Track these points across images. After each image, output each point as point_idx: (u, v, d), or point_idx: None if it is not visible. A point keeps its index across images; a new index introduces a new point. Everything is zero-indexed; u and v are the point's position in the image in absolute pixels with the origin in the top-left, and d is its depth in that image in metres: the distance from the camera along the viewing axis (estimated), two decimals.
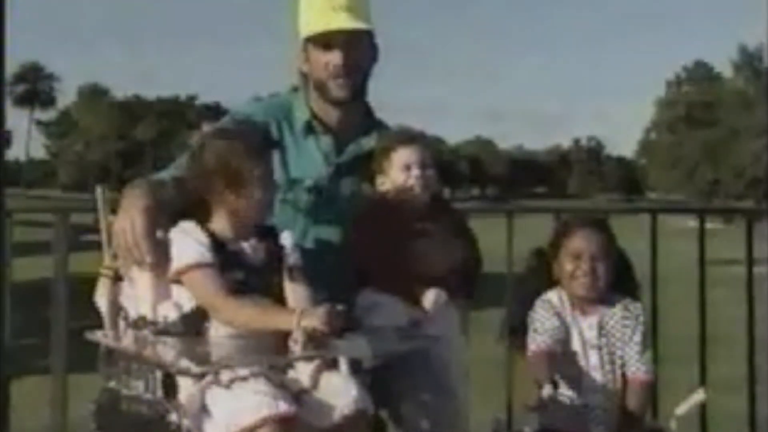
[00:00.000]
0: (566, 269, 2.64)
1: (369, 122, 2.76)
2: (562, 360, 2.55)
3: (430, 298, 2.47)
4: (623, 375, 2.62)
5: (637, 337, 2.62)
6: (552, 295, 2.66)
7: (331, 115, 2.69)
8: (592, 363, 2.61)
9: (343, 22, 2.59)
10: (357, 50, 2.63)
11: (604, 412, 2.57)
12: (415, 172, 2.60)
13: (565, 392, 2.52)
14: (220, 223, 2.33)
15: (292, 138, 2.68)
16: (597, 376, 2.59)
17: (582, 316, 2.63)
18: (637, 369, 2.61)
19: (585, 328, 2.62)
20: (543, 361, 2.52)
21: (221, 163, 2.28)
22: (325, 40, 2.61)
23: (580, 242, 2.64)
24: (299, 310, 2.16)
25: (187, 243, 2.26)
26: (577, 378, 2.58)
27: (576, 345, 2.61)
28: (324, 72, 2.63)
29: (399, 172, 2.60)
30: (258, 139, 2.35)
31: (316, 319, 2.10)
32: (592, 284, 2.61)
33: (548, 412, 2.47)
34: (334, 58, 2.60)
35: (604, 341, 2.62)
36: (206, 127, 2.46)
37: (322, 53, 2.62)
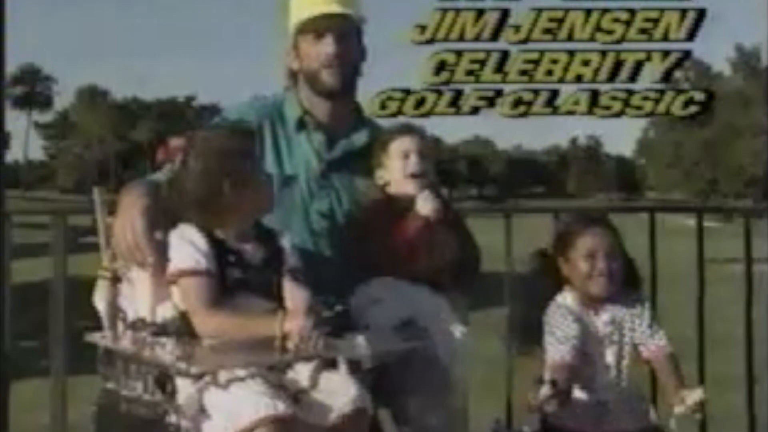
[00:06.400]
0: (581, 270, 2.59)
1: (359, 119, 2.79)
2: (580, 364, 2.54)
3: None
4: (647, 361, 2.62)
5: (646, 320, 2.62)
6: (567, 299, 2.63)
7: (323, 110, 2.70)
8: (607, 360, 2.59)
9: (334, 7, 2.64)
10: (348, 41, 2.67)
11: (618, 407, 2.56)
12: (413, 158, 2.60)
13: (579, 391, 2.51)
14: (220, 224, 2.31)
15: (284, 136, 2.69)
16: (612, 372, 2.58)
17: (596, 314, 2.62)
18: (657, 347, 2.60)
19: (600, 327, 2.60)
20: (565, 372, 2.48)
21: (219, 164, 2.27)
22: (316, 31, 2.65)
23: (592, 241, 2.61)
24: (280, 313, 2.15)
25: (184, 247, 2.25)
26: (591, 376, 2.56)
27: (591, 344, 2.59)
28: (316, 62, 2.66)
29: (397, 160, 2.61)
30: (246, 139, 2.36)
31: (298, 317, 2.10)
32: (609, 283, 2.58)
33: (557, 411, 2.44)
34: (327, 46, 2.64)
35: (616, 337, 2.61)
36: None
37: (314, 44, 2.66)
